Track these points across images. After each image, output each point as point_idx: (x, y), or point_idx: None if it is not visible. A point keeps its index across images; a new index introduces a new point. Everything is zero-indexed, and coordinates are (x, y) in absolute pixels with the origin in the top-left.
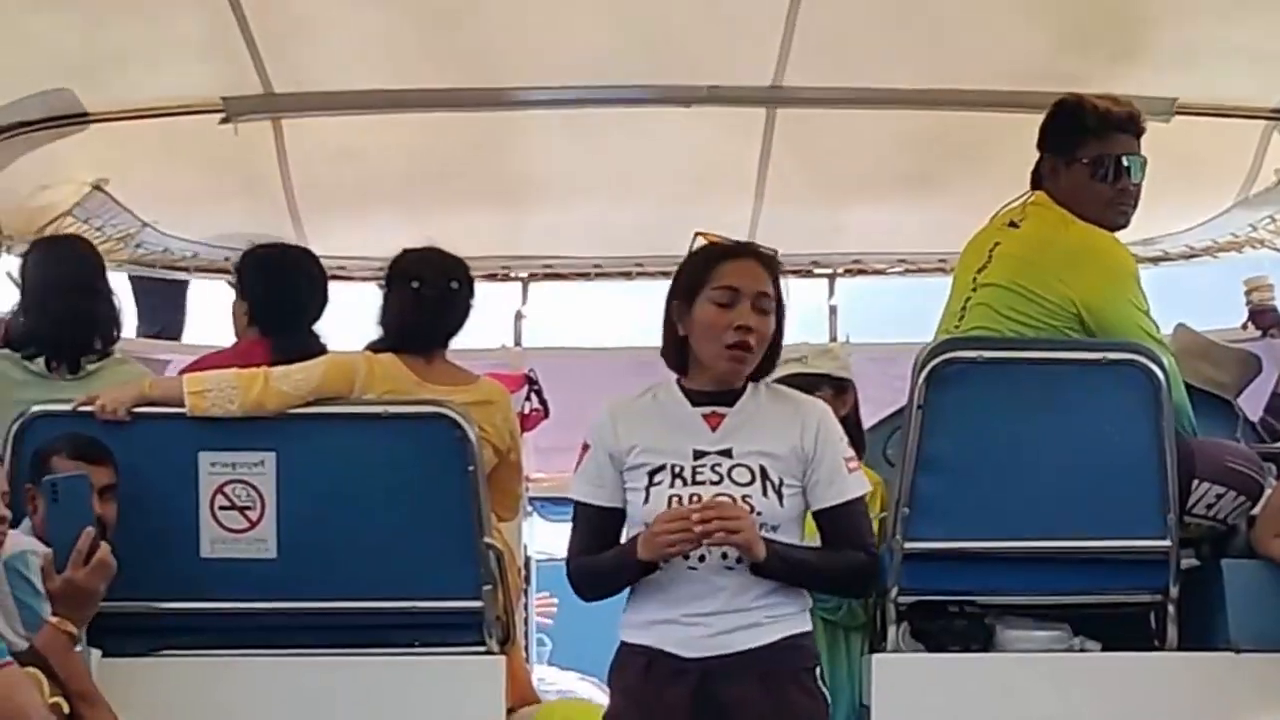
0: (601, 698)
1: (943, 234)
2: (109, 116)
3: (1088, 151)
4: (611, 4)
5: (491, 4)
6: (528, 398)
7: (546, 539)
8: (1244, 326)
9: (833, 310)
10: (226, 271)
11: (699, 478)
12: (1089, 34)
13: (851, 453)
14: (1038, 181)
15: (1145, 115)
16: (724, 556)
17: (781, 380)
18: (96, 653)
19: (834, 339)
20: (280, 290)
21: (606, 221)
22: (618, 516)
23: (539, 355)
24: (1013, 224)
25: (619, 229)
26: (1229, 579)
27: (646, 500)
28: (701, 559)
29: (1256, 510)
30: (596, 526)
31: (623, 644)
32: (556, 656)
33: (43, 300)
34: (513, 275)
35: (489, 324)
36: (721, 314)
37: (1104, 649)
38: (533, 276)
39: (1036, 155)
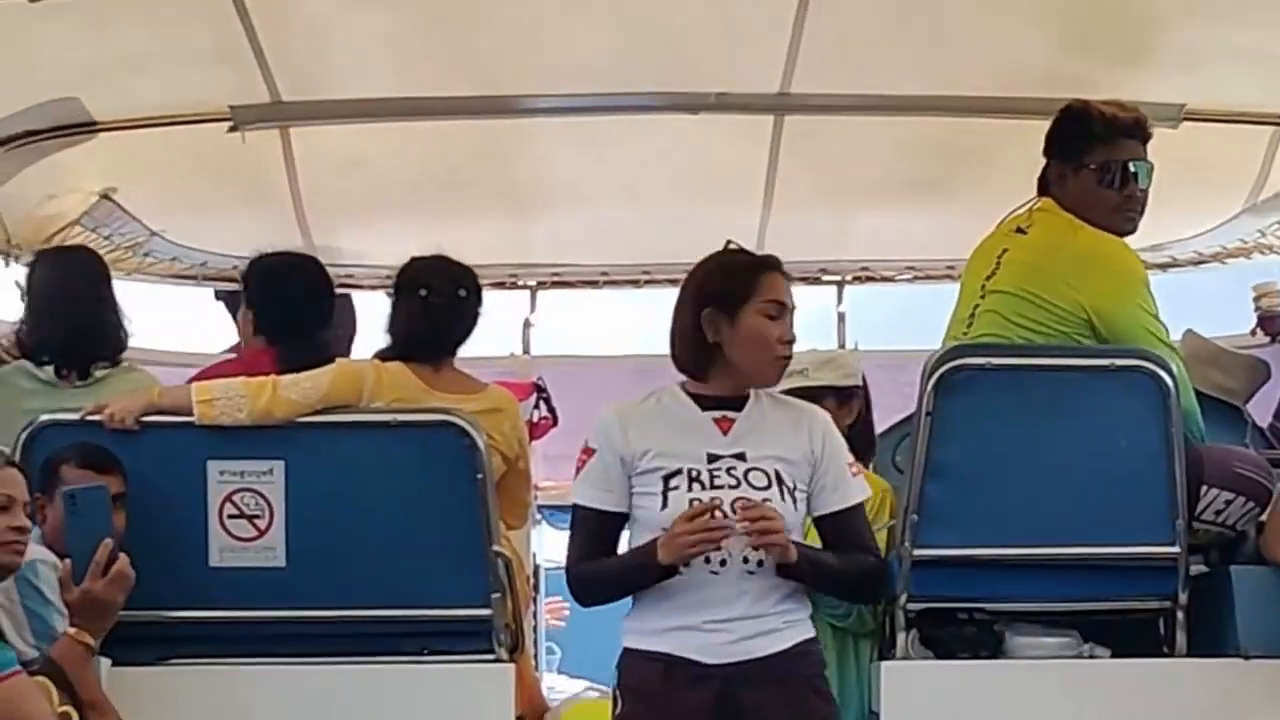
0: None
1: (951, 240)
2: (117, 125)
3: (1094, 157)
4: (619, 12)
5: (499, 12)
6: (536, 406)
7: (555, 547)
8: (1253, 332)
9: (841, 317)
10: (235, 280)
11: (716, 481)
12: (1096, 39)
13: (852, 458)
14: (1044, 187)
15: (1153, 121)
16: (745, 561)
17: (784, 394)
18: (106, 662)
19: (842, 346)
20: (286, 298)
21: (614, 229)
22: (620, 522)
23: (547, 363)
24: (1020, 230)
25: (627, 236)
26: (1238, 585)
27: (665, 505)
28: (723, 563)
29: (1265, 516)
30: (600, 531)
31: (631, 651)
32: (566, 664)
33: (51, 311)
34: (521, 283)
35: (497, 332)
36: (772, 326)
37: (1113, 655)
38: (541, 284)
39: (1043, 161)
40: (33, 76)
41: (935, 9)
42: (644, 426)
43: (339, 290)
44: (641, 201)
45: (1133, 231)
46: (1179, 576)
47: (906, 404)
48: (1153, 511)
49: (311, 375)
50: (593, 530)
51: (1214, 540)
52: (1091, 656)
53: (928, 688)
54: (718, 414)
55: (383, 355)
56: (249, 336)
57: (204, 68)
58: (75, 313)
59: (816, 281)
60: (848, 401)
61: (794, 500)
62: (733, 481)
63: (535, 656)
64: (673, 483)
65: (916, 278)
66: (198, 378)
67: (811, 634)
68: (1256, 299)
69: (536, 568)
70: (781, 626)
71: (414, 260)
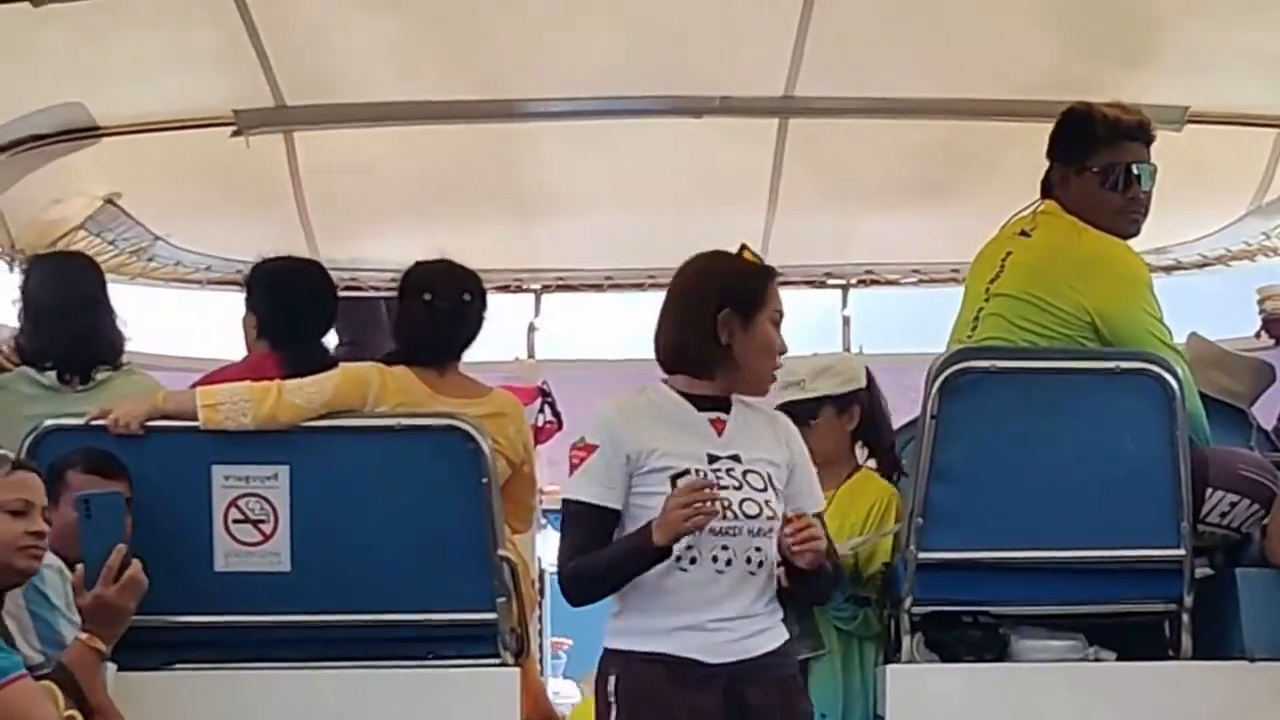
0: None
1: (955, 243)
2: (121, 130)
3: (1098, 160)
4: (623, 16)
5: (503, 16)
6: (541, 410)
7: None
8: (1257, 335)
9: (845, 321)
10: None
11: (722, 483)
12: (1099, 42)
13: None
14: (1048, 190)
15: (1156, 124)
16: (748, 561)
17: (781, 407)
18: (112, 667)
19: (847, 349)
20: (289, 303)
21: (619, 233)
22: (616, 519)
23: (552, 367)
24: (1024, 233)
25: (631, 240)
26: (1243, 587)
27: None
28: (729, 562)
29: (1268, 520)
30: (599, 528)
31: (624, 653)
32: (571, 669)
33: (51, 317)
34: (525, 287)
35: (502, 336)
36: (775, 335)
37: (1119, 658)
38: (545, 288)
39: (1047, 164)
40: (37, 81)
41: (939, 12)
42: (648, 425)
43: (364, 297)
44: (646, 205)
45: (1136, 234)
46: (1184, 579)
47: (911, 407)
48: (1158, 514)
49: (316, 380)
50: (591, 527)
51: (1219, 543)
52: (1097, 659)
53: (933, 691)
54: (712, 415)
55: (387, 359)
56: (253, 341)
57: (208, 72)
58: (76, 318)
59: (821, 285)
60: (848, 408)
61: (782, 503)
62: (735, 483)
63: (540, 661)
64: (680, 482)
65: (921, 281)
66: (202, 382)
67: (788, 634)
68: (1261, 302)
69: (542, 572)
70: (771, 625)
71: (418, 264)
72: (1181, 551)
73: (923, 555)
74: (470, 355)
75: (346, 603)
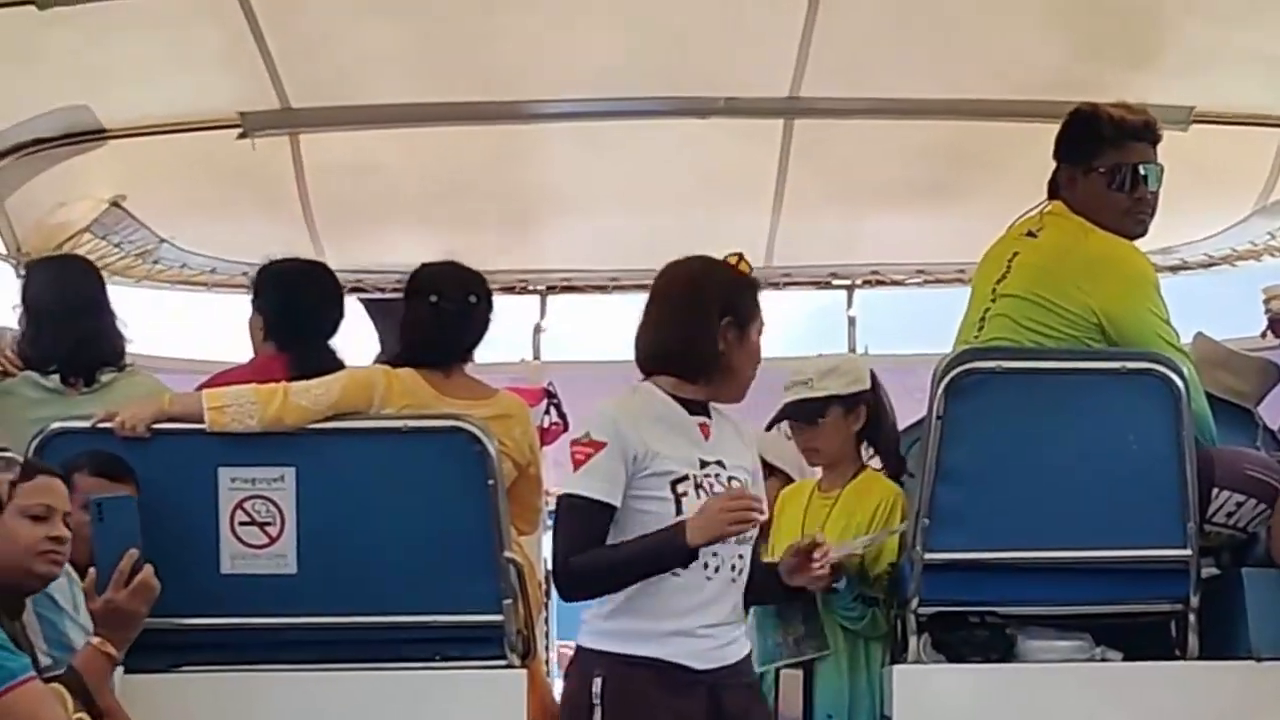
0: None
1: (961, 244)
2: (126, 133)
3: (1104, 161)
4: (628, 17)
5: (508, 17)
6: (547, 411)
7: None
8: (1263, 335)
9: (851, 321)
10: (245, 287)
11: (715, 488)
12: (1105, 43)
13: None
14: (1054, 191)
15: (1162, 124)
16: (733, 569)
17: (789, 405)
18: (119, 669)
19: (852, 350)
20: (296, 304)
21: (624, 234)
22: (611, 517)
23: (558, 369)
24: (1030, 234)
25: (636, 241)
26: (1249, 587)
27: (680, 510)
28: (717, 569)
29: (1273, 520)
30: (599, 524)
31: (606, 654)
32: None
33: (53, 320)
34: (531, 289)
35: (507, 338)
36: (760, 347)
37: (1125, 658)
38: (551, 290)
39: (1053, 164)
40: (42, 84)
41: (944, 13)
42: (648, 426)
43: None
44: (651, 206)
45: (1143, 234)
46: (1190, 579)
47: (917, 408)
48: (1164, 514)
49: (322, 382)
50: (591, 523)
51: (1225, 543)
52: (1103, 660)
53: (939, 691)
54: (701, 419)
55: (393, 361)
56: (259, 343)
57: (213, 74)
58: (78, 321)
59: (827, 285)
60: (854, 409)
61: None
62: (722, 488)
63: (547, 662)
64: (680, 488)
65: (927, 281)
66: (208, 384)
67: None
68: (1267, 301)
69: (548, 573)
70: (741, 633)
71: (424, 266)
72: (1188, 551)
73: (929, 556)
74: (476, 357)
75: (353, 605)
